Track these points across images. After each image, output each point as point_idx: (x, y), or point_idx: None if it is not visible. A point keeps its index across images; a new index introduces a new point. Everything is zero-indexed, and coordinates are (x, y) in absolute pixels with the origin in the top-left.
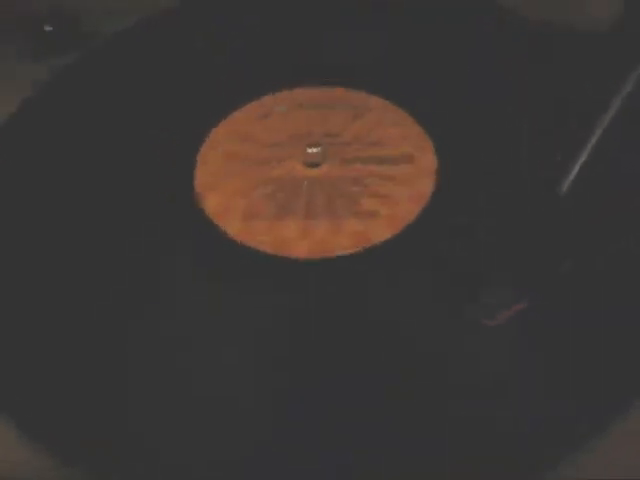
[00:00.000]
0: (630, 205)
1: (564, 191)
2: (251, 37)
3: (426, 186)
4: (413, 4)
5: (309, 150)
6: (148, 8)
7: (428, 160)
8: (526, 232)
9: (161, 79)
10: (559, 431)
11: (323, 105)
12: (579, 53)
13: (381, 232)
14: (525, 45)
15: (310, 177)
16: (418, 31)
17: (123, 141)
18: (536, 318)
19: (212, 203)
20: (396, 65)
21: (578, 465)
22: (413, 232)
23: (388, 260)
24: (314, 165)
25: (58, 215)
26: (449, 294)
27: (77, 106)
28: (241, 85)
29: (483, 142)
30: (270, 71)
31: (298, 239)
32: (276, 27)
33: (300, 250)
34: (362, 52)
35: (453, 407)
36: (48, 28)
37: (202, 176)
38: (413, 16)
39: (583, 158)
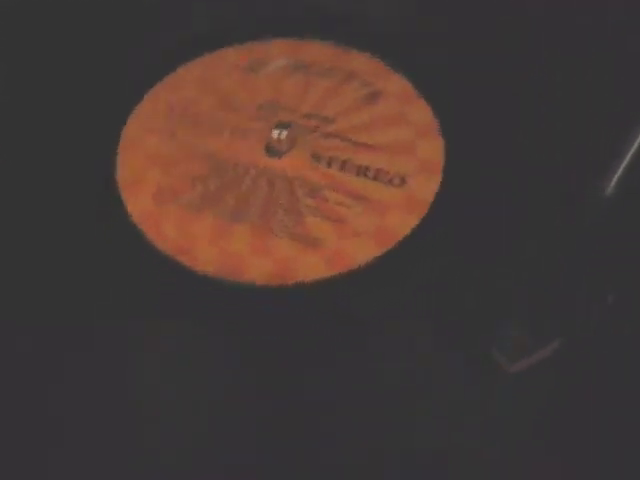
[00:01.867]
0: None
1: (610, 191)
2: None
3: (426, 188)
4: None
5: (274, 134)
6: None
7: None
8: (556, 251)
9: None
10: None
11: (315, 69)
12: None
13: (365, 250)
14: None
15: (267, 168)
16: None
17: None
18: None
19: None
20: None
21: None
22: (407, 249)
23: (373, 286)
24: (276, 153)
25: None
26: (454, 332)
27: None
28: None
29: (500, 133)
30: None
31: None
32: None
33: (254, 272)
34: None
35: None
36: None
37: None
38: None
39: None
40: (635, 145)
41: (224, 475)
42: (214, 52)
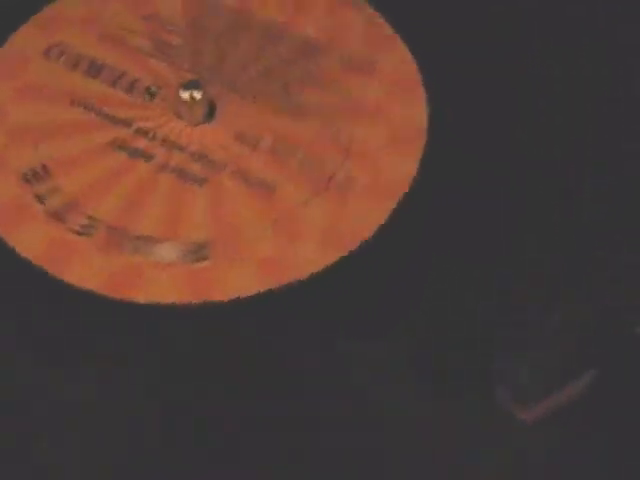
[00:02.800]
0: None
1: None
2: None
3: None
4: None
5: (182, 95)
6: None
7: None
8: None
9: None
10: None
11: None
12: None
13: (310, 258)
14: None
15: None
16: None
17: None
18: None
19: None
20: None
21: None
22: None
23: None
24: (194, 122)
25: None
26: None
27: None
28: None
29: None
30: None
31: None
32: None
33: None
34: None
35: None
36: None
37: None
38: None
39: None
40: None
41: None
42: None
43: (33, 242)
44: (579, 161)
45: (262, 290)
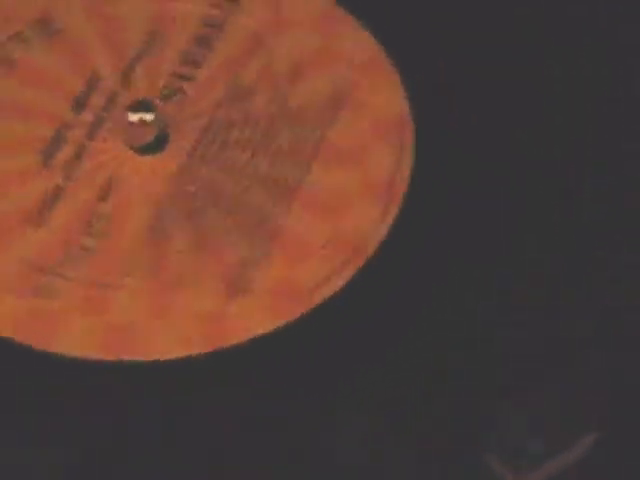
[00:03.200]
0: None
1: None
2: None
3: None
4: None
5: (131, 117)
6: None
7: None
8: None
9: None
10: None
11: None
12: None
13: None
14: None
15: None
16: None
17: None
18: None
19: None
20: None
21: None
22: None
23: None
24: (144, 149)
25: None
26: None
27: None
28: None
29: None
30: None
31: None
32: None
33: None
34: None
35: None
36: None
37: None
38: None
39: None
40: None
41: None
42: None
43: None
44: (579, 161)
45: None
